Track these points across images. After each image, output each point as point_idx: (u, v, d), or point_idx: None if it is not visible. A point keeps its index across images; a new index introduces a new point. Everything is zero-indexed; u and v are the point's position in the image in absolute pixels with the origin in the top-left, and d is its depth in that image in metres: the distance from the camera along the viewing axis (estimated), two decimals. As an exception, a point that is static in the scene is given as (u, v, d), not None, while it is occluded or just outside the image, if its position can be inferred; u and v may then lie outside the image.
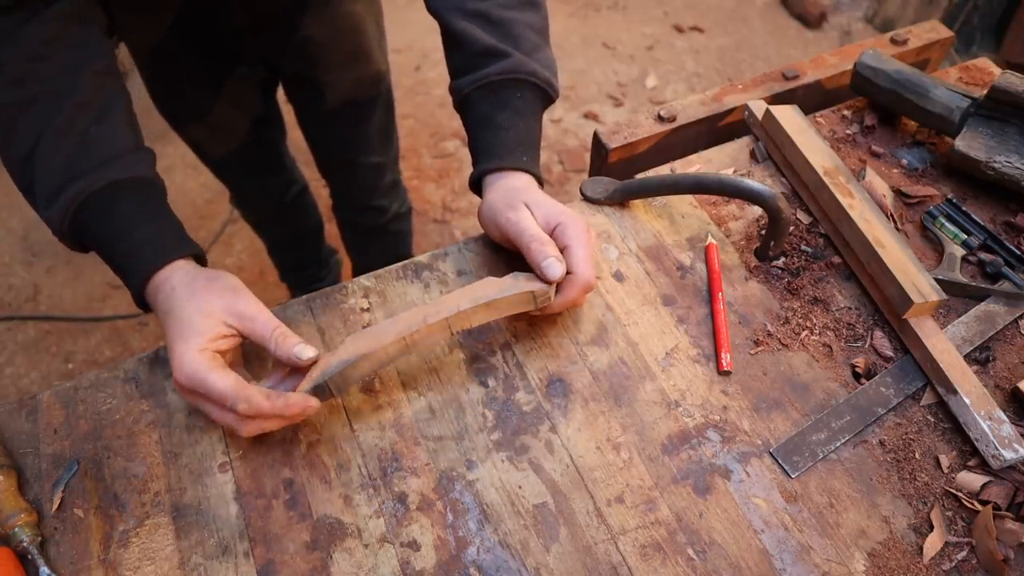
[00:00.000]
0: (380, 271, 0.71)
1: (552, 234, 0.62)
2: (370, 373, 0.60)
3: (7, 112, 0.58)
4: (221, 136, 1.08)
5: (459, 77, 0.70)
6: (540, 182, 0.69)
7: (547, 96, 0.71)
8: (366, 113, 1.13)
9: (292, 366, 0.57)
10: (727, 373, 0.63)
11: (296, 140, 1.26)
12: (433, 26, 0.73)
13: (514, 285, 0.60)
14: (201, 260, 0.62)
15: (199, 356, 0.54)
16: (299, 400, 0.55)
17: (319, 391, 0.57)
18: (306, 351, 0.56)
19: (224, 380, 0.53)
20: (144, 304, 0.60)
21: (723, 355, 0.64)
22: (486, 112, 0.69)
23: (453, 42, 0.71)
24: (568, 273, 0.61)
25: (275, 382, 0.58)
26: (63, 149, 0.58)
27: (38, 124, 0.57)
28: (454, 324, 0.60)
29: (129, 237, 0.59)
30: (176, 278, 0.58)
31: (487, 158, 0.68)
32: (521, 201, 0.64)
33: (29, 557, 0.53)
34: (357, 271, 1.53)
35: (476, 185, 0.70)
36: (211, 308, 0.56)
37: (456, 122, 2.22)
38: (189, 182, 2.06)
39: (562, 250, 0.62)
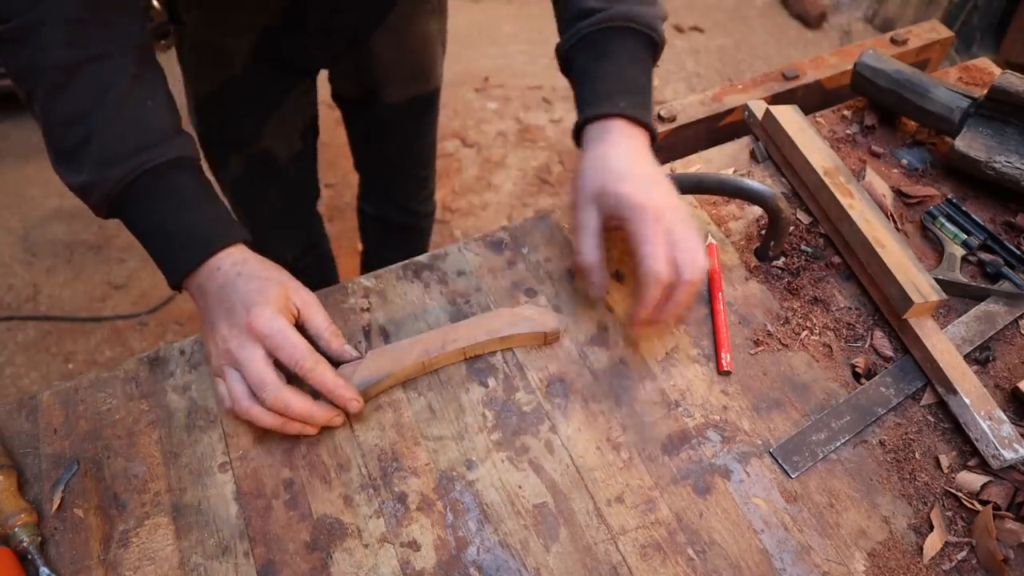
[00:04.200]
0: (380, 271, 0.71)
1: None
2: (386, 389, 0.62)
3: (59, 69, 0.56)
4: (262, 169, 1.06)
5: (561, 36, 0.68)
6: (649, 129, 0.64)
7: (651, 41, 0.66)
8: (422, 130, 1.13)
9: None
10: (727, 373, 0.63)
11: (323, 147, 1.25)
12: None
13: (529, 322, 0.64)
14: (250, 245, 0.63)
15: (280, 314, 0.56)
16: (353, 393, 0.58)
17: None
18: (352, 352, 0.60)
19: (299, 339, 0.56)
20: (178, 283, 0.60)
21: (723, 355, 0.64)
22: (583, 65, 0.66)
23: (559, 4, 0.69)
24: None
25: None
26: (125, 117, 0.58)
27: (95, 85, 0.57)
28: (469, 351, 0.64)
29: (192, 213, 0.59)
30: (236, 256, 0.59)
31: (583, 108, 0.64)
32: (649, 205, 0.58)
33: (29, 557, 0.53)
34: (368, 259, 1.53)
35: (579, 142, 0.66)
36: (281, 282, 0.59)
37: (456, 122, 2.22)
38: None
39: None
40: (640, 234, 0.57)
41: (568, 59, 0.68)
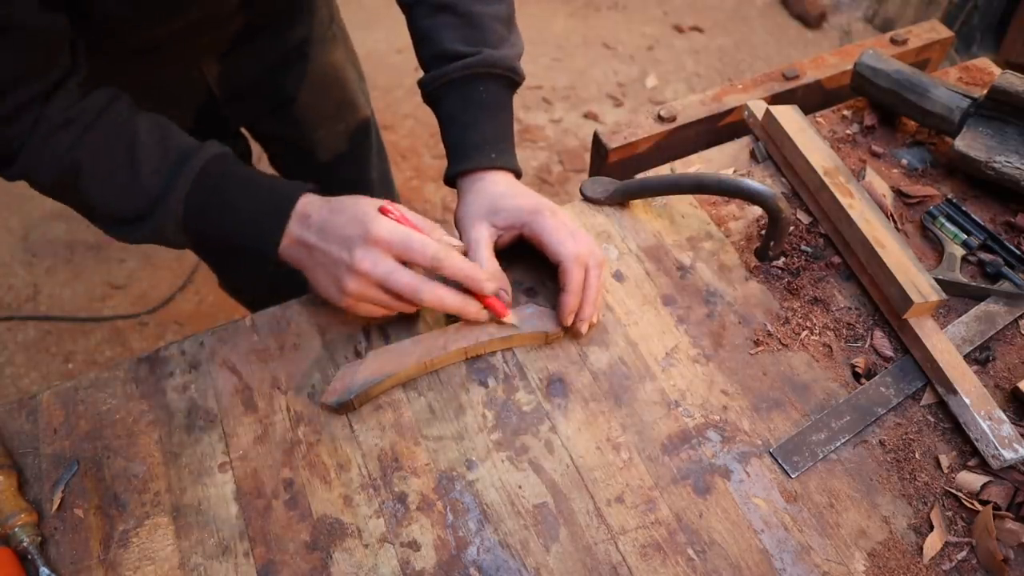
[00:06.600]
0: (380, 271, 0.71)
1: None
2: (387, 390, 0.62)
3: (72, 154, 0.57)
4: None
5: (425, 74, 0.71)
6: (517, 173, 0.70)
7: (512, 83, 0.71)
8: (364, 163, 1.08)
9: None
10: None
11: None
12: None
13: (530, 323, 0.64)
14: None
15: (395, 223, 0.57)
16: (486, 275, 0.60)
17: (344, 406, 0.60)
18: (453, 239, 0.62)
19: (425, 236, 0.57)
20: (275, 251, 0.61)
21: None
22: (450, 111, 0.69)
23: (419, 39, 0.71)
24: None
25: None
26: (155, 155, 0.59)
27: (122, 150, 0.58)
28: (471, 351, 0.64)
29: (257, 187, 0.61)
30: (315, 201, 0.60)
31: (457, 159, 0.69)
32: (543, 207, 0.65)
33: (29, 557, 0.53)
34: None
35: (452, 184, 0.71)
36: (372, 202, 0.59)
37: (456, 122, 2.22)
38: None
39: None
40: (544, 228, 0.63)
41: (433, 97, 0.71)
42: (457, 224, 0.68)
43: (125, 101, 0.61)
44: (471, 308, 0.61)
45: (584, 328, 0.63)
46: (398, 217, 0.59)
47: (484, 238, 0.65)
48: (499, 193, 0.66)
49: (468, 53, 0.67)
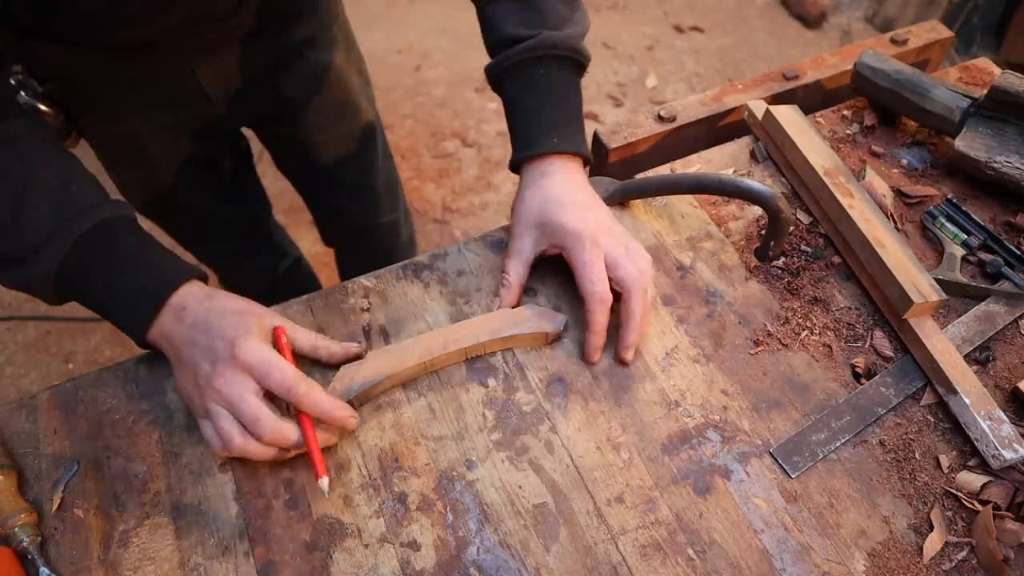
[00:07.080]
0: (380, 271, 0.71)
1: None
2: (387, 390, 0.62)
3: None
4: (201, 220, 1.00)
5: (490, 60, 0.70)
6: (585, 158, 0.69)
7: (577, 63, 0.69)
8: (367, 168, 1.06)
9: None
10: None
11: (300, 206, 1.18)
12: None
13: (530, 322, 0.64)
14: (205, 282, 0.62)
15: (264, 343, 0.55)
16: (349, 411, 0.56)
17: None
18: (352, 345, 0.62)
19: (290, 366, 0.54)
20: (143, 337, 0.58)
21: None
22: (513, 96, 0.69)
23: (484, 26, 0.71)
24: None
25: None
26: (47, 202, 0.56)
27: (9, 189, 0.56)
28: (471, 351, 0.64)
29: (140, 264, 0.58)
30: (199, 293, 0.57)
31: (519, 146, 0.68)
32: (586, 235, 0.62)
33: (29, 557, 0.53)
34: None
35: (517, 170, 0.70)
36: (254, 312, 0.57)
37: (456, 122, 2.22)
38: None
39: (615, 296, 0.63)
40: (578, 260, 0.62)
41: (497, 83, 0.71)
42: (511, 217, 0.68)
43: (36, 139, 0.59)
44: (315, 443, 0.55)
45: (629, 355, 0.63)
46: (282, 344, 0.57)
47: (526, 251, 0.66)
48: (554, 199, 0.65)
49: (527, 36, 0.66)
